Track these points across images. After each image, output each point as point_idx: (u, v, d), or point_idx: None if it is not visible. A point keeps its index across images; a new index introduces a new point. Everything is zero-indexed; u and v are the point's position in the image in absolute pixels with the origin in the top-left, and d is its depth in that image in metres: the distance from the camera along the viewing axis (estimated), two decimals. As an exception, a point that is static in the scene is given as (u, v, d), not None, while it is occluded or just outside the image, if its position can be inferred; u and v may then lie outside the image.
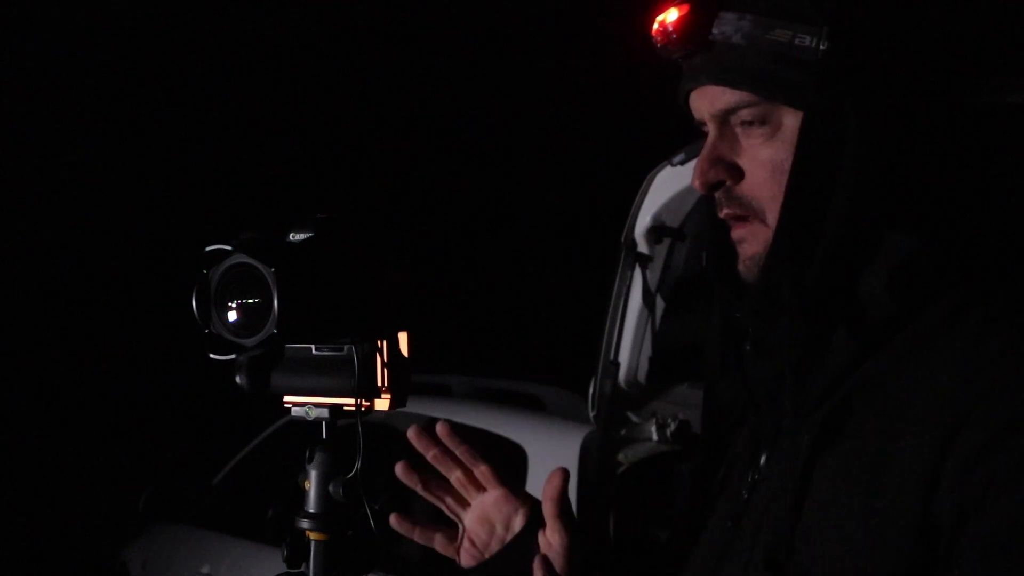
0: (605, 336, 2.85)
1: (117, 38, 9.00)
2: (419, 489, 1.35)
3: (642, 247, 2.78)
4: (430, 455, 1.34)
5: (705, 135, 1.12)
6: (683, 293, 2.83)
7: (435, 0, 9.56)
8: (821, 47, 1.01)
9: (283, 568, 1.29)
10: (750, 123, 1.07)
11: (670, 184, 2.68)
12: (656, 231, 2.75)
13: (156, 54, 9.17)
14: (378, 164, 9.51)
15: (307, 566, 1.28)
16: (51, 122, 8.84)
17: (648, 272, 2.80)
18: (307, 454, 1.29)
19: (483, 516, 1.34)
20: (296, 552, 1.28)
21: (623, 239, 2.79)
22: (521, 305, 9.05)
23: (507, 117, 9.53)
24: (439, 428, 1.34)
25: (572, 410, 3.36)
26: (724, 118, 1.08)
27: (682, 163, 2.61)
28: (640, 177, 2.74)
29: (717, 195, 1.10)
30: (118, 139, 9.10)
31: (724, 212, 1.10)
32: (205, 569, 3.90)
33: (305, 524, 1.28)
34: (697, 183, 1.09)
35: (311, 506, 1.28)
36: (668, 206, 2.72)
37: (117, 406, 8.25)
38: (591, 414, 2.90)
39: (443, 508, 1.36)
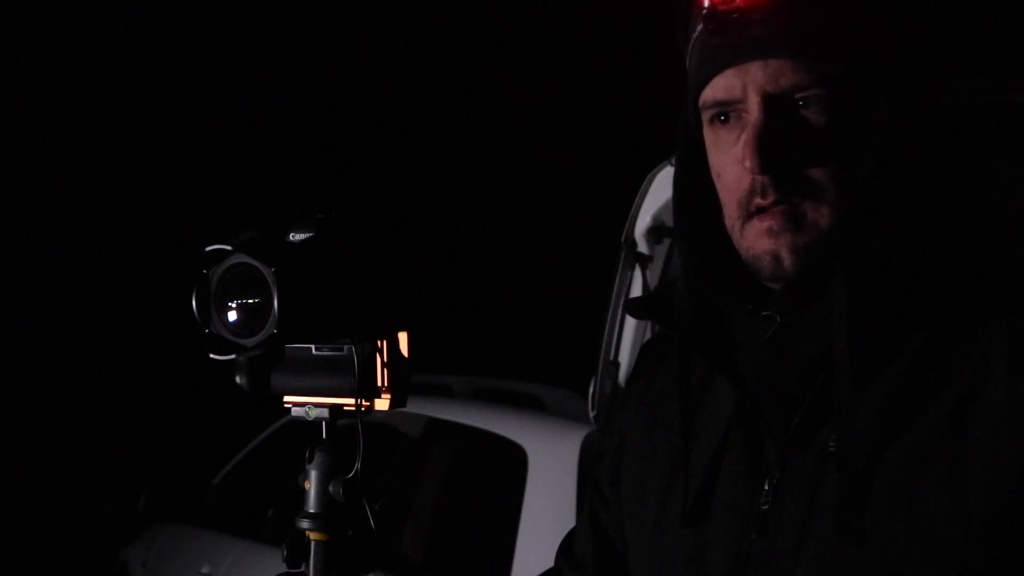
0: (605, 336, 2.84)
1: (117, 38, 9.00)
2: None
3: (642, 247, 2.77)
4: None
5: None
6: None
7: (436, 0, 9.56)
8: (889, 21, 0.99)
9: (283, 568, 1.29)
10: (815, 100, 0.98)
11: (670, 184, 2.67)
12: (656, 231, 2.75)
13: (156, 54, 9.16)
14: (379, 163, 9.51)
15: (307, 566, 1.28)
16: (51, 122, 8.83)
17: (648, 272, 2.79)
18: (307, 454, 1.29)
19: None
20: (296, 552, 1.28)
21: (623, 239, 2.79)
22: (521, 305, 9.05)
23: (507, 116, 9.52)
24: None
25: (572, 410, 3.36)
26: (790, 94, 0.98)
27: (682, 163, 2.59)
28: (640, 177, 2.74)
29: (763, 180, 0.99)
30: (118, 139, 9.09)
31: (771, 198, 0.99)
32: (205, 569, 3.90)
33: (305, 524, 1.28)
34: (755, 165, 0.98)
35: (311, 506, 1.28)
36: (668, 206, 2.71)
37: (117, 406, 8.26)
38: (591, 414, 2.90)
39: None
